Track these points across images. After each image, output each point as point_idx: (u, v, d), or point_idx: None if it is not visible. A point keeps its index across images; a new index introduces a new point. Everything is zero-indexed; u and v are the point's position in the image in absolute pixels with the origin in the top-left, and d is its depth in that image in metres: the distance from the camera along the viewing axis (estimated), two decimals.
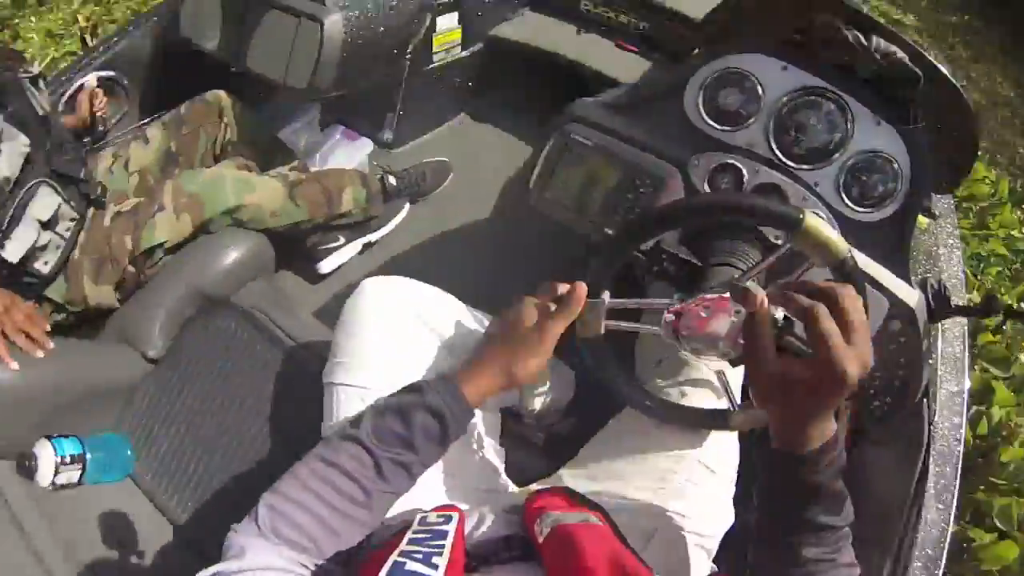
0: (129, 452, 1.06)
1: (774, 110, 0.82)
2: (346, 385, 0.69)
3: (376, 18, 1.25)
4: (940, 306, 0.82)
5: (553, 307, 0.61)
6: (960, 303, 0.82)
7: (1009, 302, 1.65)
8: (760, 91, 0.82)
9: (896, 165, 0.79)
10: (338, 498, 0.53)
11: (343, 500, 0.53)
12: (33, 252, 1.00)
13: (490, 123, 1.76)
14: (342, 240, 1.40)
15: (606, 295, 0.64)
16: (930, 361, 0.86)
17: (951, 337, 0.94)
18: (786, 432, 0.50)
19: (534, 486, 0.80)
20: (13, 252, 0.96)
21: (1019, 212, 2.51)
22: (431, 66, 1.56)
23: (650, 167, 0.84)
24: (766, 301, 0.48)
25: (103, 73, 1.40)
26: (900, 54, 0.73)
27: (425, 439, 0.55)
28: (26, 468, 0.89)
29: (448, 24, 1.52)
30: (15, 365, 0.90)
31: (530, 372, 0.60)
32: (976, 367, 1.59)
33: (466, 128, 1.76)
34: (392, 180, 1.43)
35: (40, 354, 0.94)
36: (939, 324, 0.90)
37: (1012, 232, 2.22)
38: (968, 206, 2.33)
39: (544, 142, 0.88)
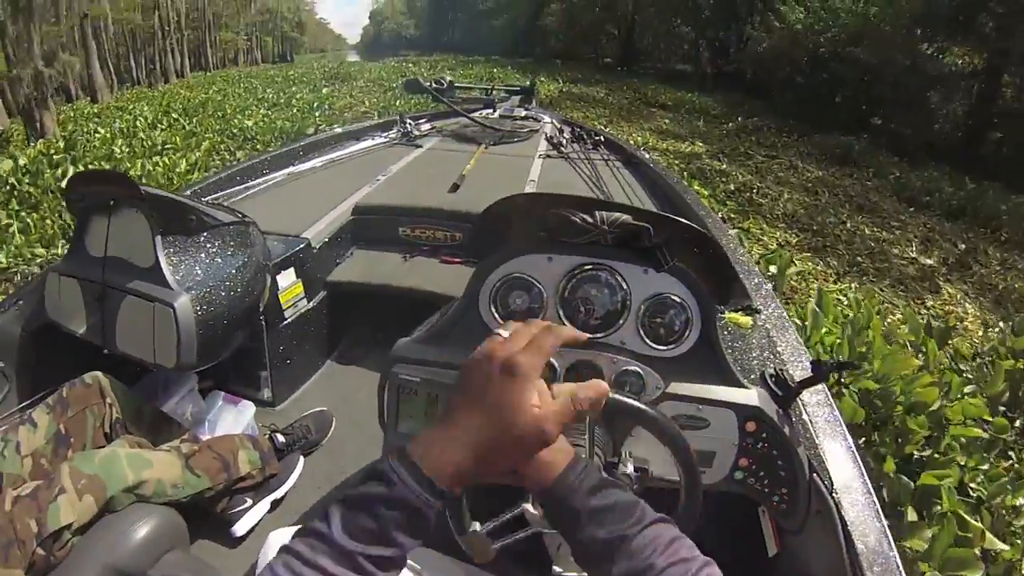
0: None
1: (557, 297, 0.91)
2: None
3: (221, 290, 1.36)
4: (784, 391, 0.93)
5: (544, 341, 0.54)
6: (805, 376, 0.91)
7: (837, 358, 2.01)
8: (539, 286, 0.92)
9: (677, 299, 0.89)
10: None
11: None
12: None
13: (354, 363, 1.89)
14: (249, 501, 1.40)
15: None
16: (802, 439, 0.94)
17: (815, 407, 1.03)
18: (525, 476, 0.51)
19: None
20: None
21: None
22: (285, 323, 1.69)
23: None
24: None
25: None
26: (624, 217, 0.84)
27: (402, 532, 0.49)
28: None
29: (288, 281, 1.68)
30: None
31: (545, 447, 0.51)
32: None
33: (334, 374, 1.88)
34: (280, 438, 1.51)
35: None
36: (798, 402, 1.00)
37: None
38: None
39: (382, 385, 0.96)
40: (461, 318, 0.96)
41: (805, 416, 1.00)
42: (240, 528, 1.37)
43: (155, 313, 1.30)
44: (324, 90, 14.36)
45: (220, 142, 7.85)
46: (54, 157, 7.06)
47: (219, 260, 1.39)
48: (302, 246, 1.68)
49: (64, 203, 1.58)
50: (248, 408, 1.60)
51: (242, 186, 2.16)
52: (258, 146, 7.57)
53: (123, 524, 1.14)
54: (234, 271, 1.40)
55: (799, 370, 1.07)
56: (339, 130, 3.06)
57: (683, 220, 0.86)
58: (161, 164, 6.15)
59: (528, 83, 4.95)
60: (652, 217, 0.85)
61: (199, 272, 1.36)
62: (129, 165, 6.21)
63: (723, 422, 0.87)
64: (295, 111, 10.53)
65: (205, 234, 1.40)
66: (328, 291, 1.80)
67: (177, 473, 1.22)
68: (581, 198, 0.87)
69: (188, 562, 1.19)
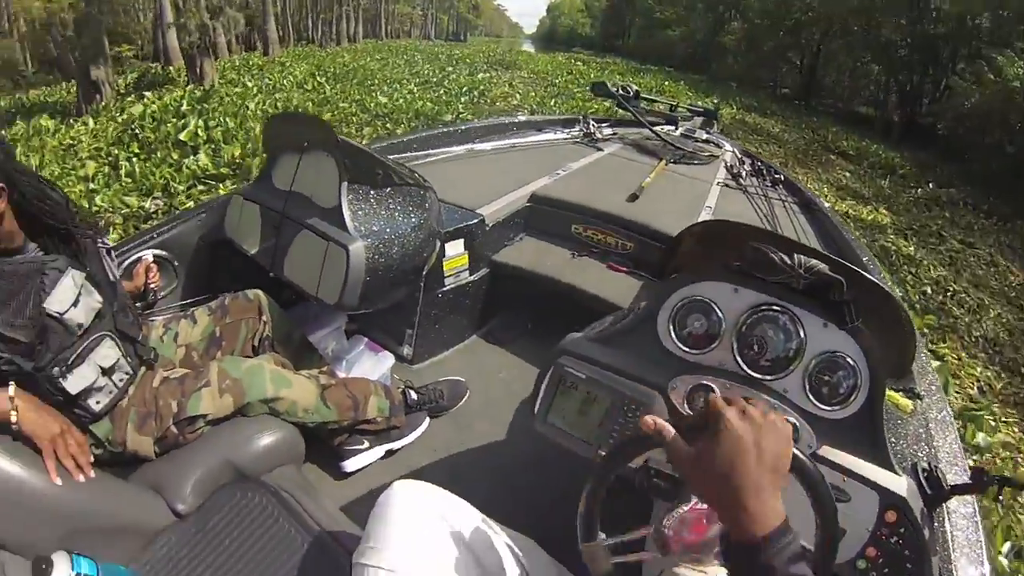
0: None
1: (735, 330, 0.92)
2: (374, 567, 0.77)
3: (394, 245, 1.46)
4: (936, 490, 0.86)
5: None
6: (960, 482, 0.85)
7: (1005, 473, 1.72)
8: (720, 314, 0.94)
9: (851, 360, 0.87)
10: None
11: None
12: (89, 391, 1.13)
13: (499, 344, 1.94)
14: (367, 444, 1.49)
15: (602, 536, 0.69)
16: (939, 548, 0.86)
17: (960, 519, 0.93)
18: (732, 518, 0.54)
19: None
20: (72, 386, 1.11)
21: None
22: (443, 289, 1.78)
23: (635, 393, 0.94)
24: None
25: (158, 252, 1.64)
26: (821, 265, 0.84)
27: None
28: (40, 571, 0.92)
29: (456, 251, 1.76)
30: (58, 481, 1.02)
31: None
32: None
33: (478, 348, 1.94)
34: (413, 395, 1.59)
35: (81, 479, 1.05)
36: (944, 507, 0.91)
37: None
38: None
39: (545, 371, 1.01)
40: (637, 327, 0.99)
41: (947, 525, 0.92)
42: (350, 465, 1.48)
43: (328, 251, 1.42)
44: (480, 75, 14.36)
45: (351, 114, 7.89)
46: (182, 109, 7.89)
47: (397, 217, 1.50)
48: (475, 221, 1.76)
49: (261, 138, 1.80)
50: (387, 359, 1.71)
51: (423, 153, 2.31)
52: (388, 125, 7.48)
53: (251, 429, 1.28)
54: (409, 230, 1.50)
55: (953, 473, 1.00)
56: (522, 118, 3.17)
57: (880, 282, 0.85)
58: None
59: (712, 107, 4.85)
60: (849, 272, 0.84)
61: (376, 224, 1.47)
62: (252, 125, 6.59)
63: (863, 502, 0.82)
64: (442, 92, 10.53)
65: (388, 190, 1.52)
66: (491, 269, 1.87)
67: (311, 400, 1.34)
68: (784, 238, 0.89)
69: (298, 479, 1.30)
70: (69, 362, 1.10)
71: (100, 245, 1.25)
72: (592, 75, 16.24)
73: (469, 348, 1.92)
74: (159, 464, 1.25)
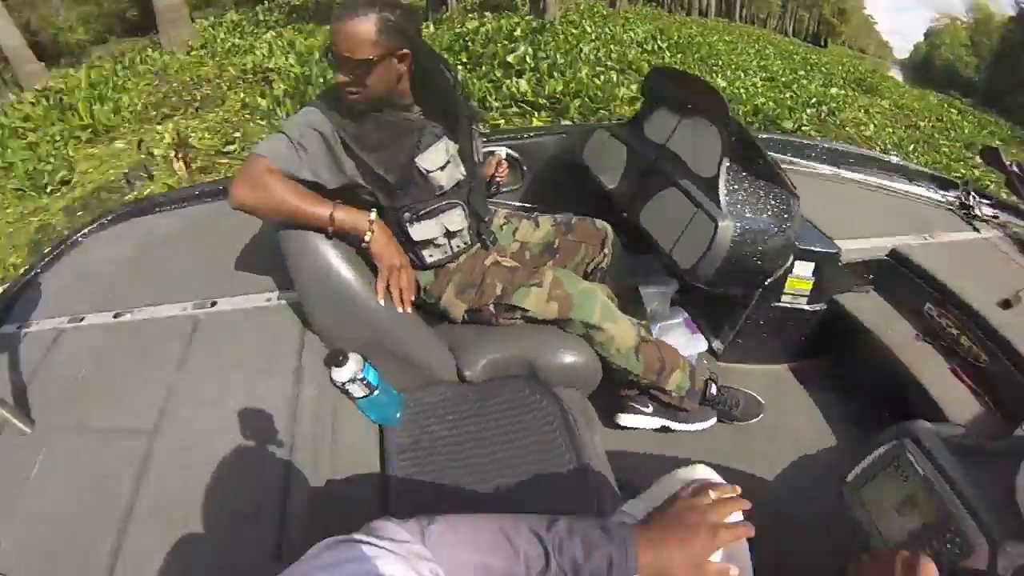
0: (399, 415, 1.30)
1: None
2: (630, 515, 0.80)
3: (756, 239, 1.41)
4: None
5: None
6: None
7: None
8: None
9: None
10: (498, 565, 0.59)
11: (500, 570, 0.59)
12: (428, 243, 1.33)
13: (805, 383, 1.79)
14: (651, 410, 1.53)
15: None
16: None
17: None
18: None
19: None
20: (416, 233, 1.31)
21: None
22: (777, 304, 1.68)
23: (965, 527, 0.86)
24: None
25: (511, 152, 1.85)
26: None
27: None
28: (334, 359, 1.15)
29: (804, 272, 1.64)
30: (381, 301, 1.26)
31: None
32: None
33: (783, 378, 1.81)
34: (714, 390, 1.54)
35: (399, 309, 1.28)
36: None
37: None
38: None
39: (873, 443, 0.96)
40: (994, 463, 0.92)
41: None
42: (625, 420, 1.54)
43: (695, 218, 1.43)
44: (834, 90, 12.71)
45: None
46: (515, 34, 7.92)
47: (766, 213, 1.44)
48: (831, 251, 1.63)
49: (642, 86, 1.86)
50: (700, 342, 1.72)
51: (785, 157, 2.18)
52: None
53: (562, 342, 1.37)
54: (773, 231, 1.44)
55: None
56: (896, 160, 2.78)
57: None
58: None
59: None
60: None
61: (747, 212, 1.43)
62: (580, 67, 6.49)
63: None
64: (788, 96, 9.66)
65: (762, 183, 1.46)
66: (829, 307, 1.73)
67: (627, 344, 1.38)
68: None
69: (582, 405, 1.39)
70: (420, 213, 1.29)
71: (472, 127, 1.39)
72: (967, 130, 13.16)
73: (775, 374, 1.82)
74: (464, 330, 1.43)
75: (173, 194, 2.13)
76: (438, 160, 1.27)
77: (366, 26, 1.12)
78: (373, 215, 1.24)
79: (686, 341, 1.68)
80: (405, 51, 1.18)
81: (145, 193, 4.73)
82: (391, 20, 1.13)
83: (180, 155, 4.92)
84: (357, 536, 0.51)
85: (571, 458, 1.19)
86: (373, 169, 1.24)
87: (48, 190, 5.03)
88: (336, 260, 1.25)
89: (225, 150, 5.40)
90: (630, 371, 1.41)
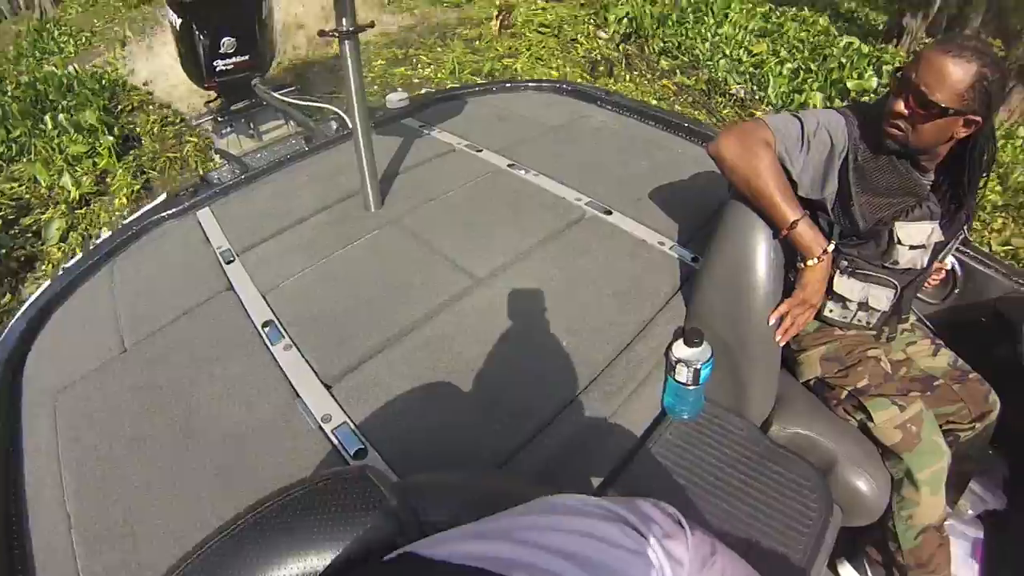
0: (687, 416, 1.29)
1: None
2: None
3: None
4: None
5: None
6: None
7: None
8: None
9: None
10: None
11: None
12: (840, 300, 1.27)
13: None
14: None
15: None
16: None
17: None
18: None
19: None
20: (839, 286, 1.25)
21: None
22: None
23: None
24: None
25: (957, 266, 1.63)
26: None
27: None
28: (692, 336, 1.18)
29: None
30: (772, 321, 1.23)
31: None
32: None
33: None
34: None
35: (778, 339, 1.26)
36: None
37: None
38: None
39: None
40: None
41: None
42: (844, 571, 1.43)
43: None
44: None
45: None
46: None
47: None
48: None
49: None
50: (971, 572, 1.49)
51: None
52: None
53: (874, 469, 1.27)
54: None
55: None
56: None
57: None
58: None
59: None
60: None
61: None
62: None
63: None
64: None
65: None
66: None
67: (924, 522, 1.26)
68: None
69: (836, 530, 1.27)
70: (856, 271, 1.21)
71: (963, 231, 1.28)
72: None
73: None
74: (799, 390, 1.37)
75: (619, 97, 2.24)
76: (916, 238, 1.17)
77: (963, 73, 1.00)
78: (831, 247, 1.18)
79: (961, 559, 1.47)
80: (978, 119, 1.05)
81: None
82: (988, 81, 1.01)
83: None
84: (633, 519, 0.44)
85: (798, 568, 1.11)
86: (853, 205, 1.16)
87: None
88: (762, 257, 1.21)
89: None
90: (899, 542, 1.27)
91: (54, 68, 5.34)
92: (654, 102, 4.70)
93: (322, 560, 0.47)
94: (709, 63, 5.14)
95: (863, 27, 8.89)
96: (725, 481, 1.20)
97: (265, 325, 1.29)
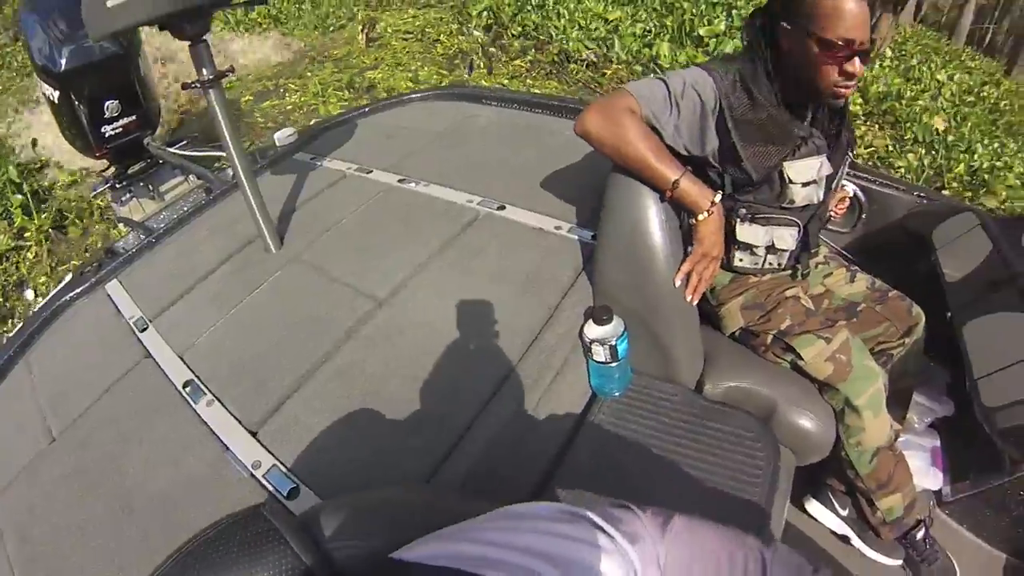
0: (618, 393, 1.30)
1: None
2: None
3: None
4: None
5: None
6: None
7: None
8: None
9: None
10: None
11: None
12: (747, 248, 1.29)
13: None
14: (845, 512, 1.42)
15: None
16: None
17: None
18: None
19: None
20: (742, 234, 1.26)
21: None
22: None
23: None
24: None
25: (859, 192, 1.68)
26: None
27: None
28: (600, 314, 1.18)
29: None
30: (678, 283, 1.24)
31: None
32: None
33: (996, 572, 1.56)
34: (920, 534, 1.41)
35: (688, 298, 1.26)
36: None
37: None
38: None
39: None
40: None
41: None
42: (812, 508, 1.47)
43: None
44: None
45: None
46: None
47: None
48: None
49: None
50: (935, 480, 1.55)
51: None
52: None
53: (813, 403, 1.29)
54: None
55: None
56: None
57: None
58: None
59: None
60: None
61: None
62: None
63: None
64: None
65: None
66: None
67: (873, 443, 1.27)
68: None
69: (790, 473, 1.29)
70: (756, 216, 1.23)
71: (848, 155, 1.29)
72: None
73: (990, 560, 1.55)
74: (725, 344, 1.38)
75: (504, 92, 2.25)
76: (806, 175, 1.19)
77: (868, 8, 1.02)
78: (718, 198, 1.18)
79: (923, 470, 1.51)
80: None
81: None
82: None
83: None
84: (596, 519, 0.47)
85: (758, 516, 1.12)
86: (738, 157, 1.17)
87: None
88: (653, 223, 1.21)
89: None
90: (856, 468, 1.30)
91: None
92: (505, 82, 5.02)
93: None
94: (562, 37, 5.49)
95: None
96: (669, 450, 1.21)
97: (186, 385, 1.29)
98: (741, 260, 1.31)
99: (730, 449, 1.22)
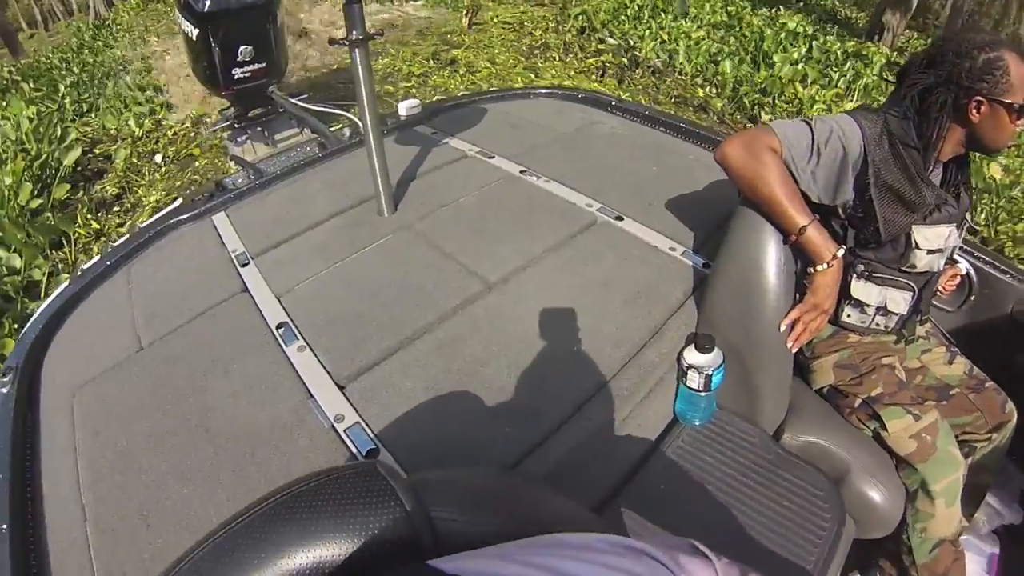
0: (699, 422, 1.30)
1: None
2: None
3: None
4: None
5: None
6: None
7: None
8: None
9: None
10: None
11: None
12: (857, 305, 1.27)
13: None
14: None
15: None
16: None
17: None
18: None
19: None
20: (857, 291, 1.25)
21: None
22: None
23: None
24: None
25: (972, 271, 1.60)
26: None
27: None
28: (703, 342, 1.19)
29: None
30: (783, 328, 1.23)
31: None
32: None
33: None
34: None
35: (789, 345, 1.25)
36: None
37: None
38: None
39: None
40: None
41: None
42: None
43: None
44: None
45: None
46: None
47: None
48: None
49: None
50: None
51: None
52: None
53: (888, 480, 1.26)
54: None
55: None
56: None
57: None
58: None
59: None
60: None
61: None
62: None
63: None
64: None
65: None
66: None
67: (938, 535, 1.24)
68: None
69: (847, 544, 1.26)
70: (873, 275, 1.20)
71: (966, 219, 1.27)
72: None
73: None
74: (811, 397, 1.36)
75: (632, 104, 2.27)
76: (935, 243, 1.17)
77: None
78: (840, 252, 1.18)
79: (976, 574, 1.45)
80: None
81: None
82: None
83: None
84: (660, 556, 0.42)
85: None
86: (872, 215, 1.16)
87: None
88: (772, 262, 1.21)
89: None
90: (914, 555, 1.25)
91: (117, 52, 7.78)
92: (572, 74, 5.65)
93: (330, 551, 0.48)
94: (638, 45, 6.09)
95: (844, 24, 9.22)
96: (736, 489, 1.20)
97: (279, 326, 1.31)
98: (849, 316, 1.29)
99: (797, 504, 1.20)
